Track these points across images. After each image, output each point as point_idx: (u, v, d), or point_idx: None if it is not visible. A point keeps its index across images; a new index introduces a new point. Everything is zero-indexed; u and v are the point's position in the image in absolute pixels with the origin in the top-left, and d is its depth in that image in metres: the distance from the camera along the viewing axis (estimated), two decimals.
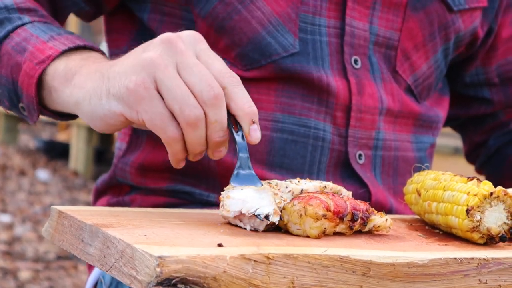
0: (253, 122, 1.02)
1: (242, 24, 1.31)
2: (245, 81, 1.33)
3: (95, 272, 1.42)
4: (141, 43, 1.41)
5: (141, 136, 1.40)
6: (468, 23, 1.46)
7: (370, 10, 1.37)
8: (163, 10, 1.36)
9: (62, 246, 0.99)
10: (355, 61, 1.36)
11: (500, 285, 0.96)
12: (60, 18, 1.39)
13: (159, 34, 1.36)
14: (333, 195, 1.02)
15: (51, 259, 4.39)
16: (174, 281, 0.79)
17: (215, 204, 1.28)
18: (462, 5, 1.44)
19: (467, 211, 1.03)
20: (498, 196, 1.03)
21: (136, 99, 1.00)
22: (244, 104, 1.01)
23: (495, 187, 1.04)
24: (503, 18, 1.55)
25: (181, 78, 0.99)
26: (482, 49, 1.55)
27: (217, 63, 1.02)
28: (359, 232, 1.04)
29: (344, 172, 1.36)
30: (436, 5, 1.42)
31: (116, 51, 1.45)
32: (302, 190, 1.04)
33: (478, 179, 1.08)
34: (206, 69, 1.00)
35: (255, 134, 1.02)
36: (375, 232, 1.05)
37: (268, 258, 0.84)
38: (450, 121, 1.64)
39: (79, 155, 6.84)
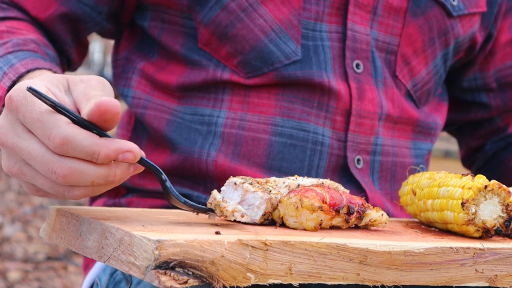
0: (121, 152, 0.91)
1: (244, 32, 1.32)
2: (247, 88, 1.34)
3: (91, 274, 1.42)
4: (141, 51, 1.42)
5: (140, 138, 1.41)
6: (467, 28, 1.47)
7: (371, 14, 1.38)
8: (164, 18, 1.37)
9: (60, 244, 0.99)
10: (357, 65, 1.36)
11: (496, 275, 0.97)
12: (82, 38, 1.41)
13: (160, 42, 1.38)
14: (328, 188, 1.02)
15: (40, 259, 4.38)
16: (172, 264, 0.79)
17: None
18: (461, 10, 1.45)
19: (462, 204, 1.03)
20: (492, 189, 1.04)
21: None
22: (91, 148, 0.90)
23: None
24: (502, 23, 1.56)
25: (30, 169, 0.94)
26: (481, 54, 1.56)
27: (41, 131, 0.91)
28: (355, 227, 1.05)
29: (342, 176, 1.36)
30: (436, 11, 1.43)
31: (117, 56, 1.46)
32: (298, 185, 1.04)
33: (472, 174, 1.08)
34: (41, 156, 0.91)
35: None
36: (371, 228, 1.06)
37: (265, 244, 0.85)
38: (447, 126, 1.64)
39: None
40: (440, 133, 1.60)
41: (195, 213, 1.01)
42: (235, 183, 1.03)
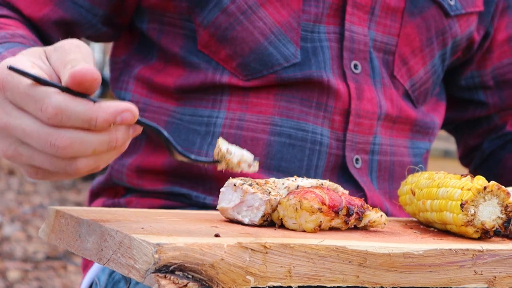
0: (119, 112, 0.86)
1: (244, 34, 1.31)
2: (245, 89, 1.34)
3: (90, 274, 1.42)
4: (140, 54, 1.41)
5: (139, 139, 1.41)
6: (465, 28, 1.48)
7: (369, 15, 1.38)
8: (162, 20, 1.36)
9: (59, 245, 0.99)
10: (355, 66, 1.37)
11: (495, 277, 0.97)
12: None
13: (159, 44, 1.37)
14: (328, 189, 1.02)
15: (40, 259, 4.38)
16: (172, 267, 0.79)
17: (212, 207, 1.29)
18: (458, 10, 1.45)
19: (461, 205, 1.03)
20: (491, 190, 1.04)
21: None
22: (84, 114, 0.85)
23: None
24: (499, 22, 1.56)
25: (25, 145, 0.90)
26: (478, 52, 1.57)
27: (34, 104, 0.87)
28: (354, 228, 1.05)
29: (341, 176, 1.37)
30: (433, 11, 1.43)
31: (115, 59, 1.46)
32: (298, 186, 1.04)
33: (471, 175, 1.09)
34: (35, 130, 0.87)
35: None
36: (370, 229, 1.06)
37: (265, 247, 0.85)
38: (445, 125, 1.65)
39: None
40: (439, 132, 1.60)
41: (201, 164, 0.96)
42: (235, 185, 1.03)
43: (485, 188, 1.04)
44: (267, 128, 1.33)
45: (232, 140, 1.33)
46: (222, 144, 0.96)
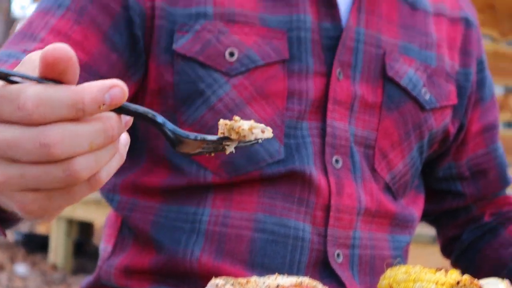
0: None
1: None
2: (229, 186, 1.34)
3: None
4: (131, 158, 1.40)
5: (127, 239, 1.42)
6: (440, 121, 1.52)
7: (349, 111, 1.41)
8: None
9: None
10: (336, 161, 1.39)
11: None
12: None
13: (147, 145, 1.37)
14: (307, 287, 1.04)
15: None
16: None
17: None
18: (433, 103, 1.50)
19: None
20: (464, 285, 1.07)
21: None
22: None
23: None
24: (472, 114, 1.61)
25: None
26: (454, 144, 1.60)
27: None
28: None
29: (323, 271, 1.38)
30: (409, 105, 1.47)
31: None
32: (278, 285, 1.06)
33: (446, 269, 1.11)
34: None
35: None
36: None
37: None
38: (424, 216, 1.67)
39: (59, 248, 6.77)
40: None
41: (208, 154, 0.86)
42: (217, 285, 1.04)
43: (458, 282, 1.07)
44: (251, 225, 1.35)
45: (217, 237, 1.35)
46: (225, 120, 0.85)
